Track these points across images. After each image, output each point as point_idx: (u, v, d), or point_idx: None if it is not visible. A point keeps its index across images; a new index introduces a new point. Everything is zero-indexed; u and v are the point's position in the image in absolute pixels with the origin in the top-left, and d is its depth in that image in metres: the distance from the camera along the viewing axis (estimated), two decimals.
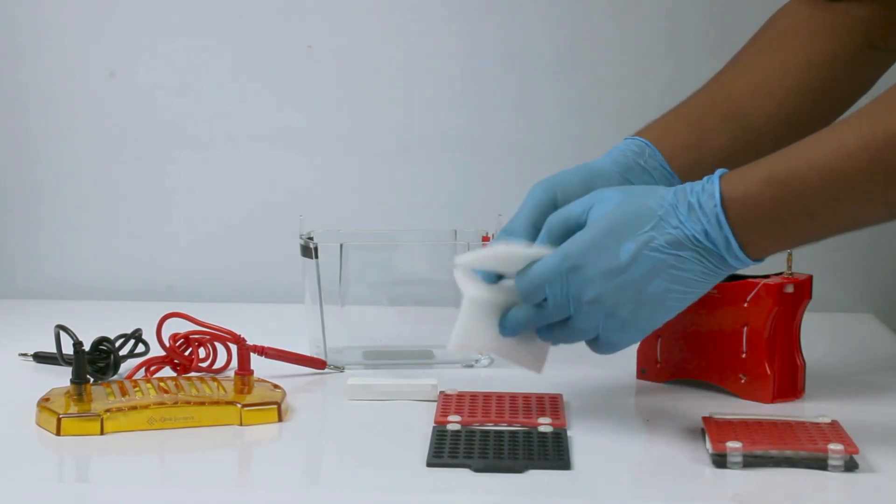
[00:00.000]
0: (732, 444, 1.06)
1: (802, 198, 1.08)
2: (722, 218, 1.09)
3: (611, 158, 1.25)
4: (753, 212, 1.09)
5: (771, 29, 1.31)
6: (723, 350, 1.25)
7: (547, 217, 1.18)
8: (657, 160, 1.24)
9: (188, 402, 1.16)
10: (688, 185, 1.12)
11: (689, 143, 1.25)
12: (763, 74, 1.28)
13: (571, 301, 1.11)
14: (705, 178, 1.11)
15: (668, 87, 1.31)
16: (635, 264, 1.10)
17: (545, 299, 1.12)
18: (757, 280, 1.23)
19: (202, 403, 1.16)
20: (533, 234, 1.18)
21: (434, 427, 1.13)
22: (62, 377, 1.23)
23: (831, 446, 1.06)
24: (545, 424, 1.13)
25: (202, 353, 1.32)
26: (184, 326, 1.31)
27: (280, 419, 1.18)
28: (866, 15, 1.28)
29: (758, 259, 1.11)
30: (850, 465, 1.06)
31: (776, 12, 1.32)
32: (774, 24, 1.31)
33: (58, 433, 1.13)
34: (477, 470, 1.05)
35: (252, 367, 1.22)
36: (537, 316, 1.14)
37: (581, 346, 1.15)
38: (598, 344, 1.14)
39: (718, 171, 1.11)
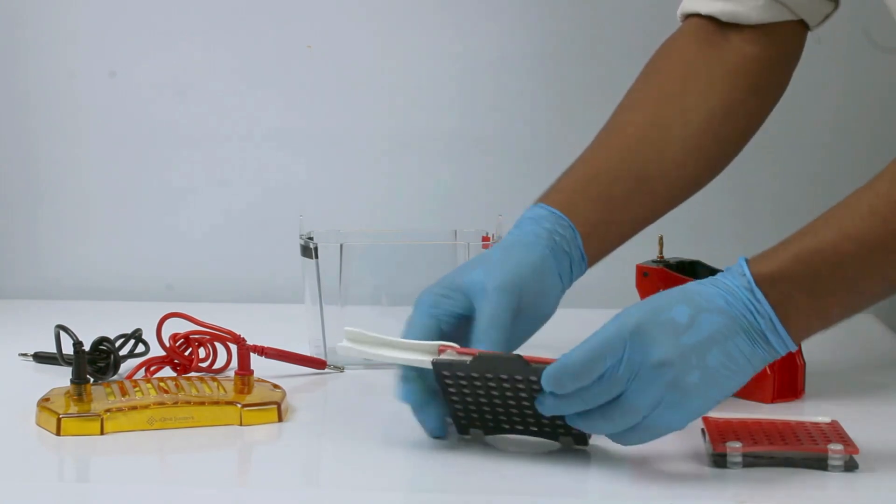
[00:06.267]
0: (732, 444, 1.06)
1: (839, 268, 1.05)
2: (759, 294, 1.04)
3: (537, 246, 1.17)
4: (787, 287, 1.05)
5: (667, 69, 1.26)
6: None
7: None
8: (577, 245, 1.19)
9: (188, 402, 1.16)
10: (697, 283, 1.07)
11: (601, 219, 1.20)
12: (666, 130, 1.23)
13: (633, 369, 1.02)
14: (726, 269, 1.07)
15: None
16: (694, 326, 1.03)
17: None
18: None
19: (202, 403, 1.16)
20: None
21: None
22: (62, 377, 1.23)
23: (831, 446, 1.06)
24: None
25: (202, 353, 1.32)
26: (184, 326, 1.31)
27: (280, 419, 1.18)
28: (757, 53, 1.24)
29: (800, 339, 1.07)
30: (850, 465, 1.06)
31: (665, 44, 1.28)
32: (670, 61, 1.27)
33: (58, 433, 1.13)
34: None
35: (252, 367, 1.22)
36: (582, 397, 1.04)
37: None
38: (638, 429, 1.04)
39: (741, 258, 1.07)
